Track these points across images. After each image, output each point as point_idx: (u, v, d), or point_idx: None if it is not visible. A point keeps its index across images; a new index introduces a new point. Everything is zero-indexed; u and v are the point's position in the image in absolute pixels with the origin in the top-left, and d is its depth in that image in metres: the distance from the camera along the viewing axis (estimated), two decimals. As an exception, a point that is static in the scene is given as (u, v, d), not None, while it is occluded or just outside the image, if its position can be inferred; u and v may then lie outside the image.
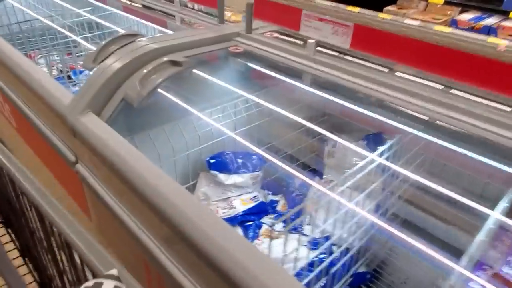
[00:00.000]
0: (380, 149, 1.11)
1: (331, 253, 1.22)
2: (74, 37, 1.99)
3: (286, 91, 1.45)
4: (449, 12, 3.95)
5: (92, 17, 2.01)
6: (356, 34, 1.06)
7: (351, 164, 1.86)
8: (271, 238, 1.35)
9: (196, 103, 1.27)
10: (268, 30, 1.41)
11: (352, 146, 1.83)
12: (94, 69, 1.19)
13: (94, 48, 1.90)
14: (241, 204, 1.44)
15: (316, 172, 1.84)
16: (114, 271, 0.70)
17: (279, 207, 1.58)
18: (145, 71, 1.08)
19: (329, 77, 1.18)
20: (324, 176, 1.81)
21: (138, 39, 1.26)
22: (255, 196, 1.49)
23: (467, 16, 3.82)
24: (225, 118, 1.39)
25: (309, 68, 1.21)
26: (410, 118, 1.31)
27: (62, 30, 2.05)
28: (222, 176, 1.40)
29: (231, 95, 1.37)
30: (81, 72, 2.24)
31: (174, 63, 1.12)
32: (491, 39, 1.04)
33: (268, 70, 1.31)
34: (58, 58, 2.40)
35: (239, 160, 1.45)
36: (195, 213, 0.84)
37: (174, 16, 1.87)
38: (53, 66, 2.33)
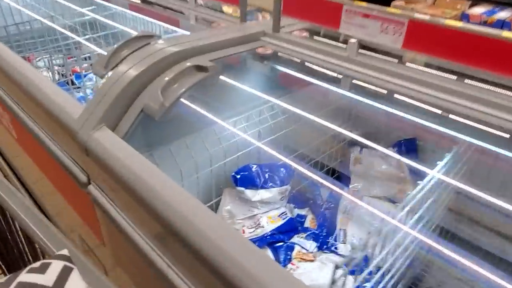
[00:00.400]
0: (440, 164, 0.97)
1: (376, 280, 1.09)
2: (77, 38, 1.84)
3: (316, 94, 1.31)
4: (458, 6, 3.81)
5: (97, 17, 1.87)
6: (410, 32, 0.92)
7: (380, 172, 1.72)
8: (306, 261, 1.21)
9: (220, 111, 1.13)
10: (296, 28, 1.26)
11: (386, 151, 1.68)
12: (106, 76, 1.04)
13: (99, 50, 1.76)
14: (269, 222, 1.30)
15: (341, 180, 1.71)
16: (64, 251, 0.66)
17: (307, 223, 1.44)
18: (166, 78, 0.94)
19: (372, 80, 1.04)
20: (351, 185, 1.67)
21: (154, 41, 1.12)
22: (283, 213, 1.35)
23: (478, 10, 3.69)
24: (251, 127, 1.25)
25: (349, 71, 1.06)
26: (461, 126, 1.17)
27: (63, 30, 1.90)
28: (249, 193, 1.26)
29: (259, 101, 1.23)
30: (85, 75, 2.09)
31: (199, 68, 0.97)
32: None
33: (301, 74, 1.16)
34: (59, 61, 2.25)
35: (266, 173, 1.31)
36: (227, 241, 0.70)
37: (183, 13, 1.72)
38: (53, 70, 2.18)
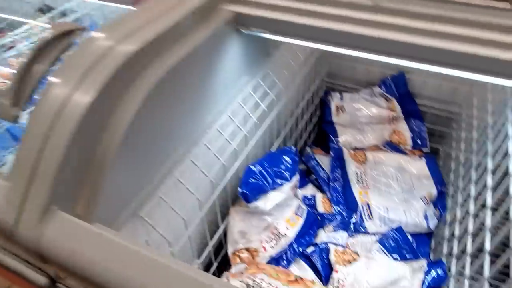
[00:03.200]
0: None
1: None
2: None
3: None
4: None
5: None
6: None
7: (369, 117, 1.52)
8: (349, 262, 0.99)
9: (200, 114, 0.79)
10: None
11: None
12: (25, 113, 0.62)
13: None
14: (288, 227, 1.04)
15: (326, 134, 1.48)
16: None
17: (319, 206, 1.20)
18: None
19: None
20: (339, 138, 1.47)
21: (81, 37, 0.71)
22: (298, 207, 1.09)
23: None
24: (239, 117, 0.93)
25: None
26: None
27: None
28: (261, 204, 0.97)
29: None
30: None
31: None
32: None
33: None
34: None
35: (271, 169, 1.02)
36: None
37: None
38: None
